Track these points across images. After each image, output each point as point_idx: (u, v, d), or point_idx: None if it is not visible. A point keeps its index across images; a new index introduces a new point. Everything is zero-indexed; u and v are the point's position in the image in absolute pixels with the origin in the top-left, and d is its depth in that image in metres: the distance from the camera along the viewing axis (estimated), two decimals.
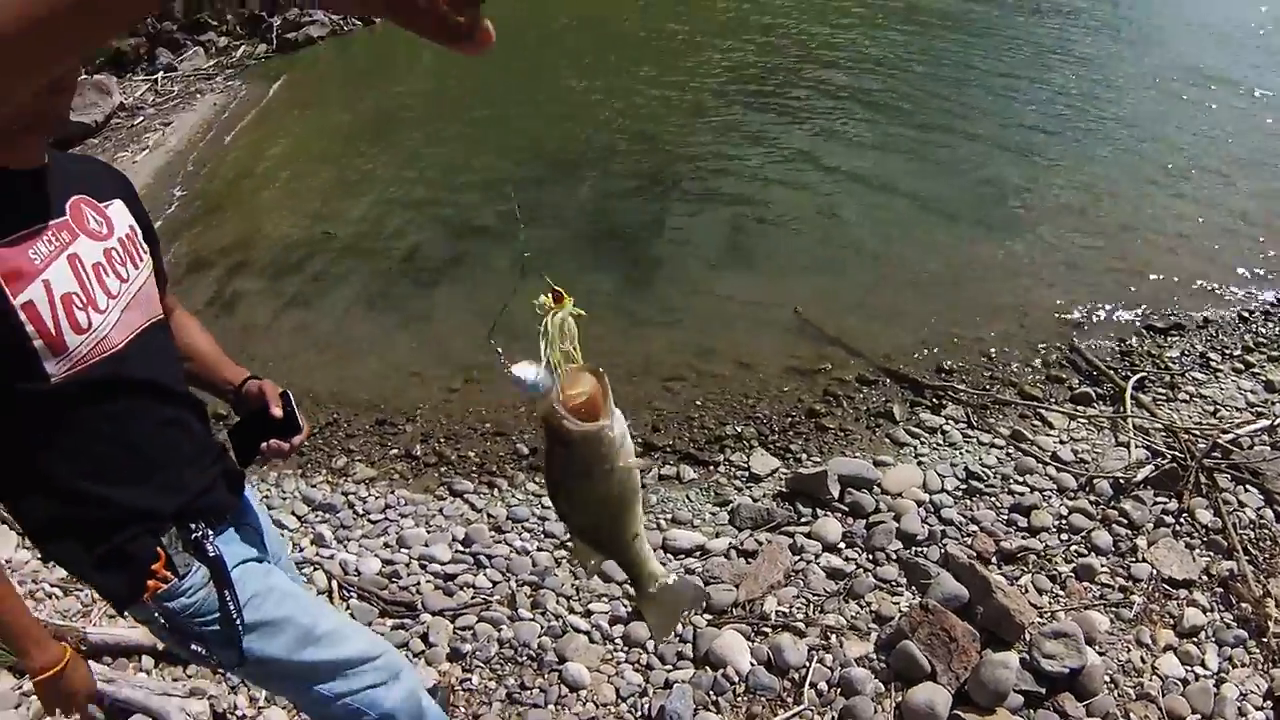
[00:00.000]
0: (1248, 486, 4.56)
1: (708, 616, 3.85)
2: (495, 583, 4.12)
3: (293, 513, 4.65)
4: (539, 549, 4.32)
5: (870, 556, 4.19)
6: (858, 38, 13.06)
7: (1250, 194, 8.38)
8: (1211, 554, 4.18)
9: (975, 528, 4.35)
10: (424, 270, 7.47)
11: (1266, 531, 4.30)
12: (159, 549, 1.96)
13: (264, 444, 2.24)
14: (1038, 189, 8.44)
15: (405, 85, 12.33)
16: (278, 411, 2.24)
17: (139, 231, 2.09)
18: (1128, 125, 9.99)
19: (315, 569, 4.17)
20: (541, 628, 3.82)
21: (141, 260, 2.05)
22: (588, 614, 3.90)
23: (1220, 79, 11.37)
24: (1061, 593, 3.98)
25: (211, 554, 2.03)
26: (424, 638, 3.78)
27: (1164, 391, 5.50)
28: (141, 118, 11.71)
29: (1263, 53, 12.57)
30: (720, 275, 7.10)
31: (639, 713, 3.43)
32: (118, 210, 2.04)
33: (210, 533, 2.06)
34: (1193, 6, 15.04)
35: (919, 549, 4.20)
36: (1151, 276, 6.89)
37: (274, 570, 2.28)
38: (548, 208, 8.31)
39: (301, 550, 4.35)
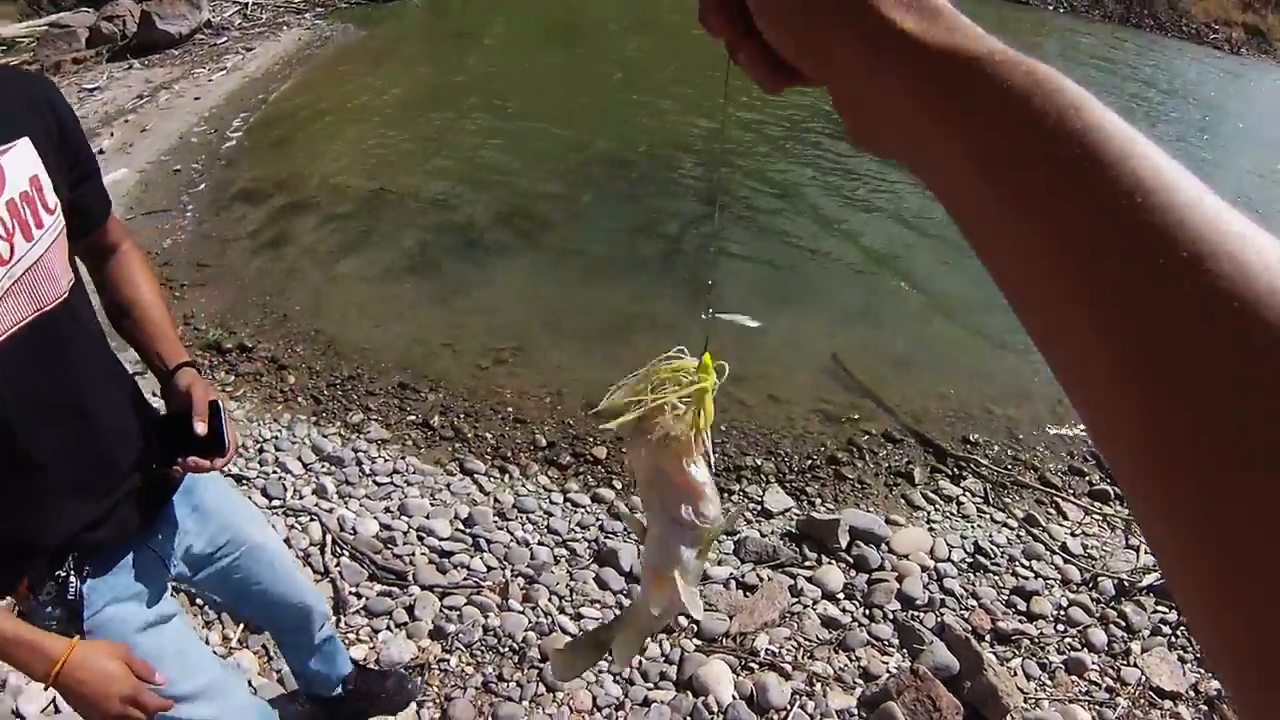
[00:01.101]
0: None
1: (697, 642, 3.81)
2: (490, 568, 4.08)
3: (299, 458, 4.63)
4: (539, 543, 4.28)
5: (867, 612, 4.14)
6: None
7: None
8: (1202, 671, 4.12)
9: (975, 602, 4.29)
10: (474, 245, 7.47)
11: None
12: (23, 578, 1.78)
13: (181, 459, 1.95)
14: None
15: (490, 57, 12.36)
16: (201, 429, 1.92)
17: (47, 184, 1.70)
18: None
19: (312, 520, 4.15)
20: (529, 622, 3.78)
21: (42, 226, 1.67)
22: (578, 617, 3.86)
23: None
24: (1050, 682, 3.93)
25: (70, 596, 1.80)
26: (409, 609, 3.74)
27: None
28: (226, 39, 11.83)
29: None
30: (763, 305, 7.05)
31: None
32: (16, 157, 1.64)
33: (73, 578, 1.80)
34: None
35: (916, 613, 4.15)
36: None
37: (151, 620, 1.99)
38: (599, 207, 8.31)
39: (301, 498, 4.33)
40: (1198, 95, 16.23)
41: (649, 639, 1.59)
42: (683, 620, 3.88)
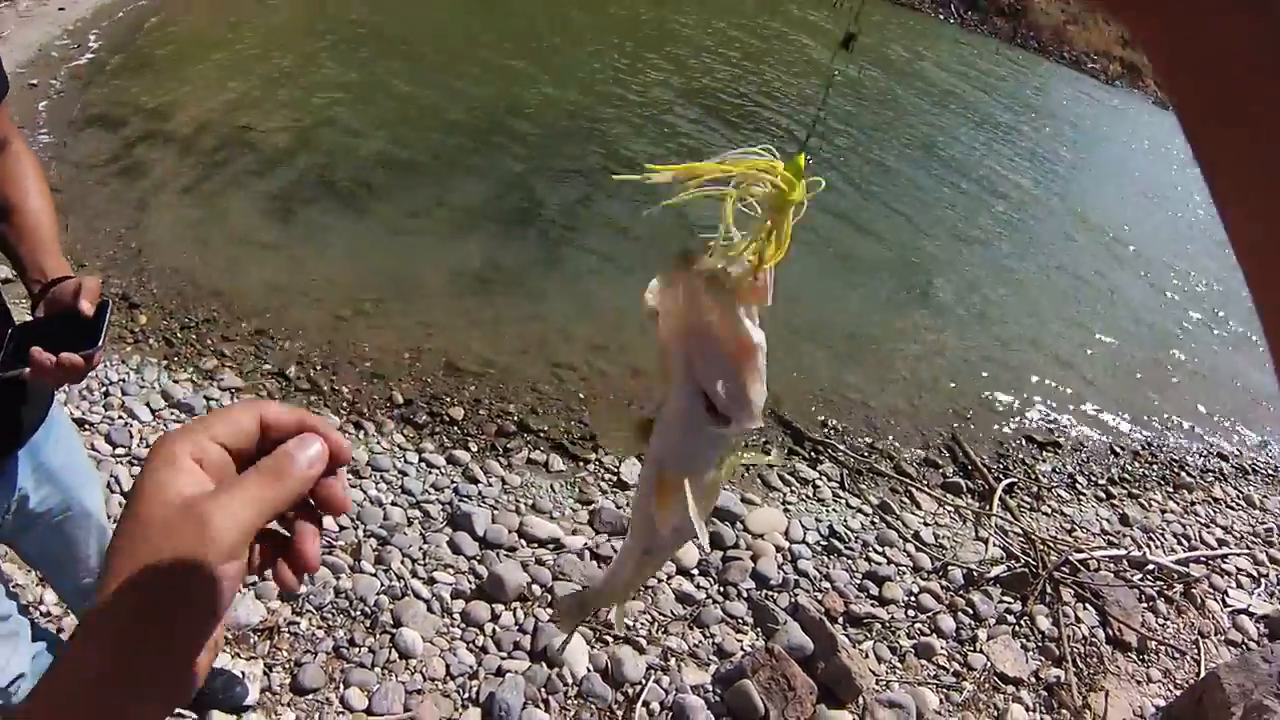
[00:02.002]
0: (1088, 605, 4.72)
1: (550, 611, 3.77)
2: (343, 528, 3.93)
3: (148, 404, 4.39)
4: (393, 503, 4.17)
5: (722, 590, 4.16)
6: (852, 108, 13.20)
7: (1153, 342, 8.75)
8: (1043, 659, 4.32)
9: (829, 585, 4.36)
10: (341, 192, 7.21)
11: (1096, 649, 4.47)
12: None
13: (56, 355, 1.65)
14: (959, 287, 8.64)
15: (388, 3, 12.02)
16: (88, 307, 1.71)
17: None
18: (1055, 252, 10.31)
19: None
20: (382, 585, 3.67)
21: None
22: (431, 581, 3.76)
23: (1145, 235, 11.84)
24: (900, 665, 4.03)
25: None
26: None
27: (1029, 500, 5.66)
28: None
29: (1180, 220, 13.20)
30: (633, 278, 7.02)
31: (466, 694, 3.31)
32: None
33: None
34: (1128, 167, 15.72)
35: (771, 593, 4.19)
36: (1041, 392, 7.12)
37: None
38: (484, 164, 8.16)
39: (148, 447, 4.11)
40: (1077, 123, 16.85)
41: (646, 578, 1.15)
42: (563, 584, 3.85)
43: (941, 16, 22.33)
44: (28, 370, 1.67)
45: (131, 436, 4.13)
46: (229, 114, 8.00)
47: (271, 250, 6.24)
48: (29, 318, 1.79)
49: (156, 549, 0.63)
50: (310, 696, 3.15)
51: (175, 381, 4.64)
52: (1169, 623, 4.88)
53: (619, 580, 0.96)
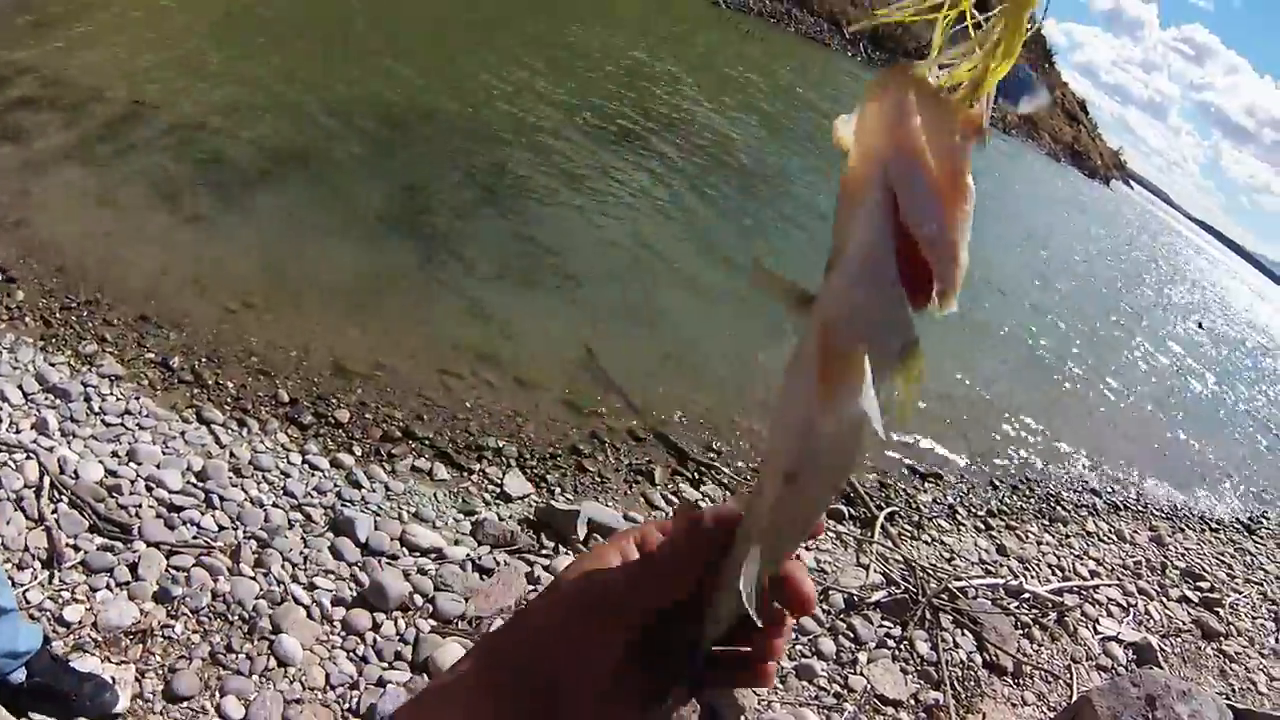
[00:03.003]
0: (965, 631, 4.85)
1: (433, 623, 3.70)
2: (222, 528, 3.79)
3: (19, 386, 4.15)
4: (274, 505, 4.04)
5: None
6: (749, 128, 13.32)
7: (1033, 384, 9.02)
8: (922, 682, 4.42)
9: None
10: (238, 180, 7.03)
11: (973, 674, 4.61)
12: None
13: None
14: None
15: None
16: None
17: None
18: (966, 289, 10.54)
19: (29, 457, 3.72)
20: (261, 589, 3.55)
21: None
22: (312, 587, 3.66)
23: (1026, 276, 12.22)
24: (781, 686, 4.07)
25: None
26: (133, 568, 3.41)
27: (910, 529, 5.80)
28: None
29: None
30: (524, 287, 7.02)
31: (346, 705, 3.22)
32: None
33: None
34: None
35: None
36: (924, 424, 7.29)
37: None
38: (383, 164, 8.06)
39: (18, 431, 3.88)
40: (983, 171, 17.36)
41: (796, 530, 0.60)
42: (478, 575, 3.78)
43: (850, 54, 22.78)
44: None
45: (0, 421, 3.93)
46: (124, 86, 7.72)
47: (161, 234, 6.02)
48: None
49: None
50: (184, 704, 3.01)
51: (52, 365, 4.43)
52: (1043, 649, 5.04)
53: (753, 540, 0.62)
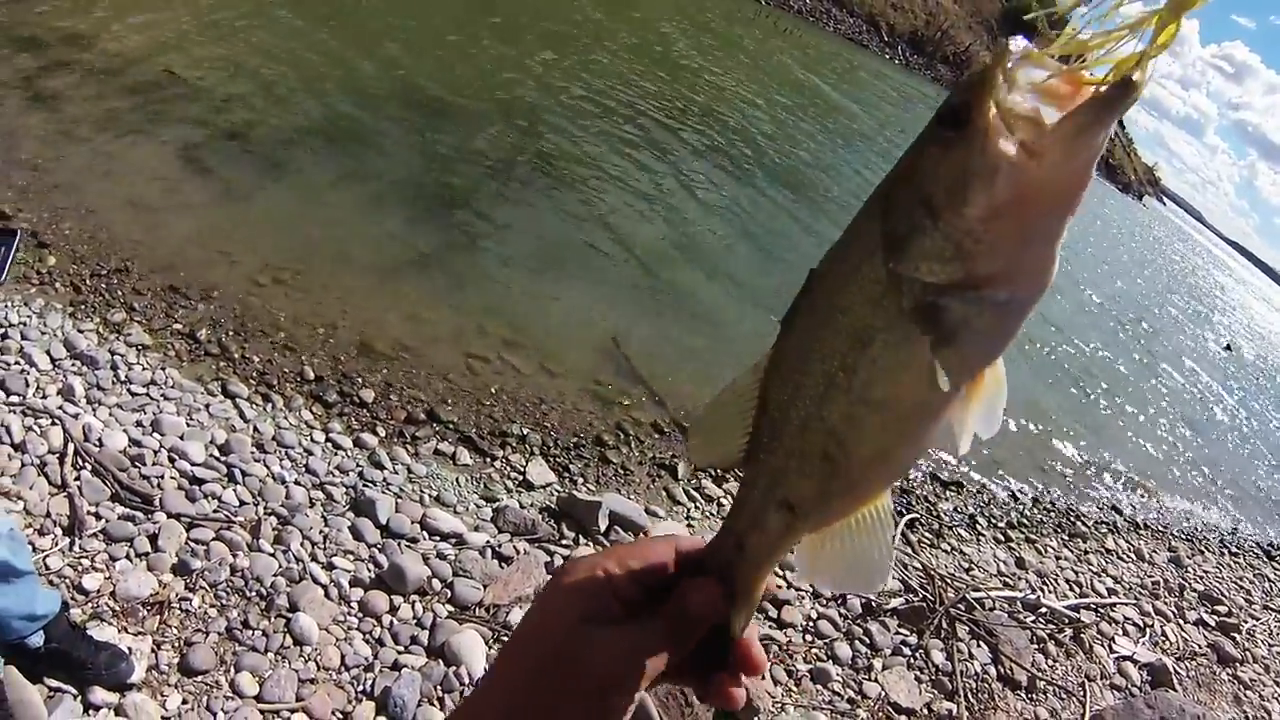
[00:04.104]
0: (981, 642, 4.81)
1: (450, 609, 3.68)
2: (243, 503, 3.80)
3: (48, 352, 4.17)
4: (296, 482, 4.03)
5: None
6: (783, 121, 13.28)
7: (1056, 398, 8.98)
8: (936, 692, 4.39)
9: None
10: (270, 154, 7.04)
11: (987, 686, 4.57)
12: None
13: None
14: None
15: None
16: None
17: None
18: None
19: (54, 423, 3.73)
20: (279, 566, 3.54)
21: None
22: (330, 566, 3.65)
23: (1071, 293, 12.17)
24: (796, 689, 4.04)
25: None
26: (153, 539, 3.41)
27: (930, 537, 5.75)
28: None
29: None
30: (553, 273, 6.99)
31: (360, 686, 3.21)
32: None
33: None
34: None
35: None
36: None
37: None
38: (414, 142, 8.05)
39: (45, 397, 3.88)
40: None
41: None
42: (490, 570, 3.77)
43: (888, 56, 22.71)
44: None
45: (27, 385, 3.92)
46: (155, 54, 7.75)
47: (193, 204, 6.03)
48: None
49: (538, 666, 0.68)
50: (199, 678, 3.01)
51: (80, 331, 4.44)
52: (1058, 664, 5.00)
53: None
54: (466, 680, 3.36)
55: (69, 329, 4.42)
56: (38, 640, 2.65)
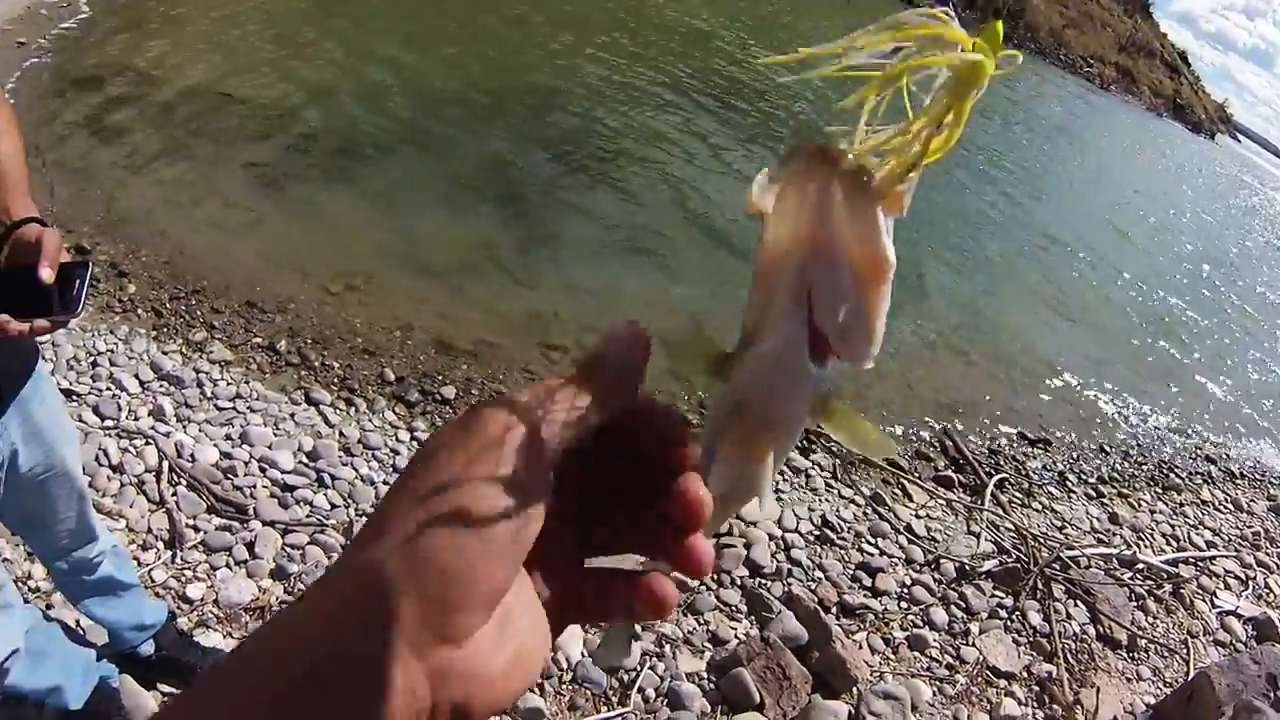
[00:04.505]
0: (1078, 602, 4.72)
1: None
2: (334, 506, 3.87)
3: (136, 375, 4.29)
4: (385, 482, 4.10)
5: (715, 577, 4.12)
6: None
7: (1144, 345, 8.79)
8: (1035, 654, 4.31)
9: (821, 575, 4.34)
10: (328, 165, 7.14)
11: (1086, 646, 4.47)
12: None
13: (1, 314, 1.57)
14: (958, 284, 8.66)
15: None
16: (47, 275, 1.58)
17: None
18: (1050, 253, 10.34)
19: (148, 443, 3.84)
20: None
21: None
22: None
23: (1144, 239, 11.90)
24: (893, 657, 4.01)
25: None
26: (250, 546, 3.50)
27: (1020, 496, 5.66)
28: None
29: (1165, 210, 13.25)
30: (625, 258, 7.01)
31: None
32: None
33: None
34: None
35: (764, 581, 4.16)
36: (1033, 390, 7.14)
37: None
38: (476, 140, 8.11)
39: (137, 419, 4.00)
40: (1069, 127, 16.94)
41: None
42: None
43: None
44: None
45: (120, 409, 4.04)
46: (216, 80, 7.93)
47: (261, 221, 6.15)
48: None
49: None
50: None
51: (164, 353, 4.56)
52: (1158, 622, 4.89)
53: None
54: (565, 665, 3.40)
55: (154, 352, 4.54)
56: (148, 649, 2.74)
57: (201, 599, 3.23)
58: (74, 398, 4.01)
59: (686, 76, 11.88)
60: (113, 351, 4.43)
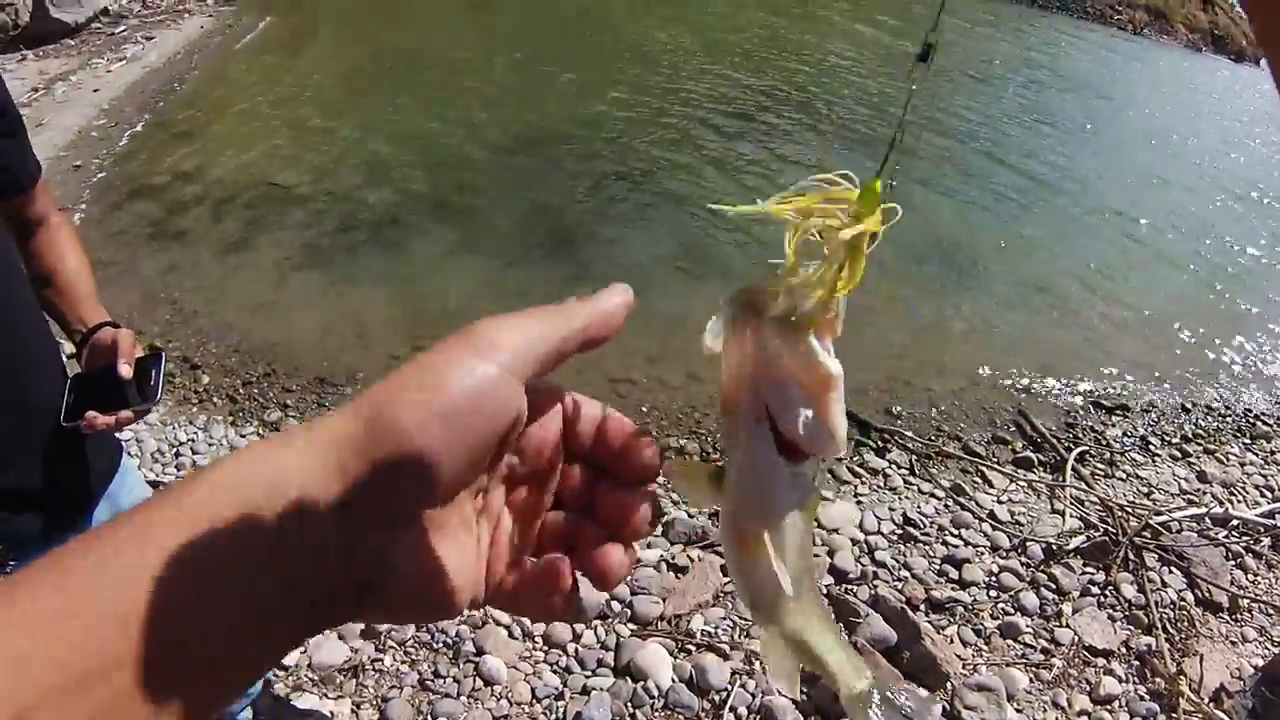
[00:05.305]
0: (1173, 569, 4.61)
1: (632, 626, 3.77)
2: None
3: None
4: None
5: None
6: (865, 82, 13.17)
7: (1212, 294, 8.60)
8: (1132, 628, 4.22)
9: (907, 573, 4.33)
10: (376, 236, 7.32)
11: (1185, 613, 4.36)
12: None
13: (89, 411, 1.75)
14: (1008, 259, 8.54)
15: (401, 38, 12.20)
16: (125, 370, 1.79)
17: None
18: (1100, 213, 10.17)
19: None
20: (461, 616, 3.70)
21: None
22: None
23: (1196, 185, 11.65)
24: (986, 647, 3.97)
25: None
26: None
27: (1103, 467, 5.55)
28: (124, 27, 11.49)
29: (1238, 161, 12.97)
30: (683, 283, 7.05)
31: (554, 715, 3.33)
32: None
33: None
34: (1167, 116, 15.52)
35: (850, 586, 4.17)
36: (1103, 356, 6.99)
37: None
38: (513, 195, 8.24)
39: None
40: (1107, 85, 16.61)
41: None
42: (618, 604, 3.85)
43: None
44: (84, 424, 1.75)
45: None
46: (260, 171, 8.19)
47: (318, 299, 6.35)
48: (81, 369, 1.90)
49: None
50: None
51: (242, 436, 4.73)
52: (1260, 579, 4.76)
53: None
54: (656, 692, 3.45)
55: (232, 436, 4.71)
56: (247, 715, 2.85)
57: (296, 664, 3.36)
58: (159, 489, 4.16)
59: (729, 90, 11.91)
60: (193, 440, 4.61)
